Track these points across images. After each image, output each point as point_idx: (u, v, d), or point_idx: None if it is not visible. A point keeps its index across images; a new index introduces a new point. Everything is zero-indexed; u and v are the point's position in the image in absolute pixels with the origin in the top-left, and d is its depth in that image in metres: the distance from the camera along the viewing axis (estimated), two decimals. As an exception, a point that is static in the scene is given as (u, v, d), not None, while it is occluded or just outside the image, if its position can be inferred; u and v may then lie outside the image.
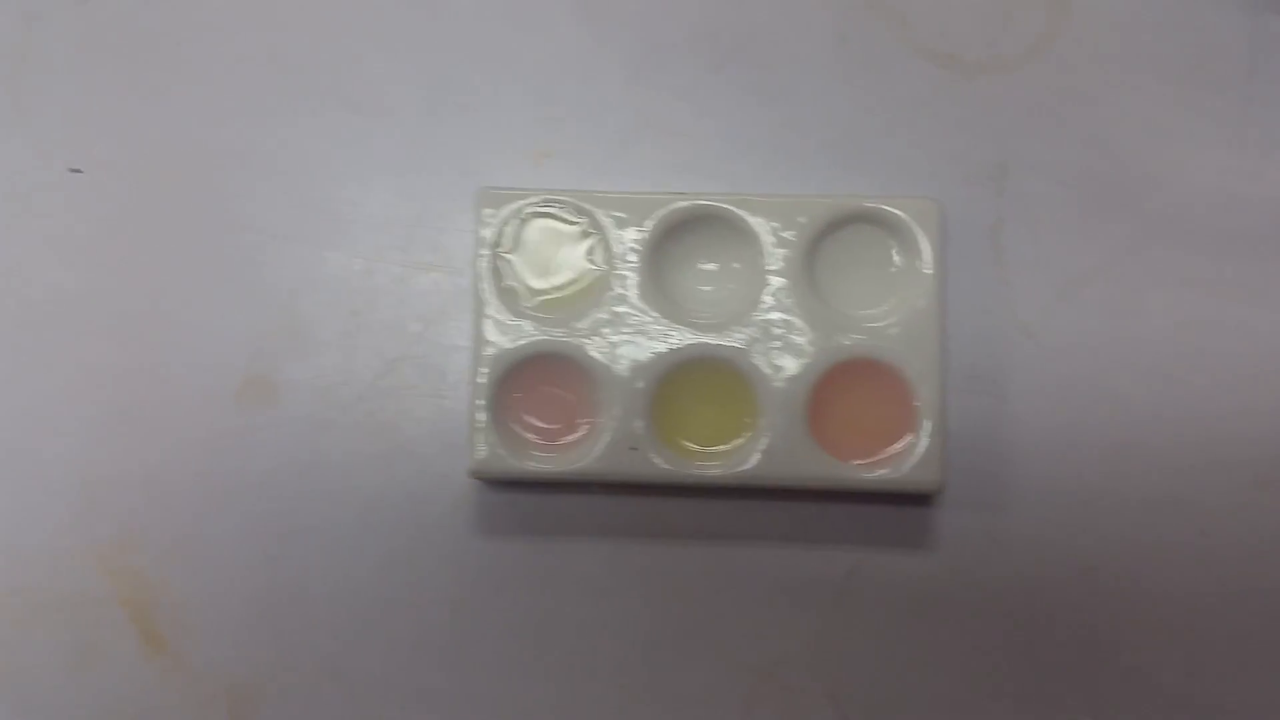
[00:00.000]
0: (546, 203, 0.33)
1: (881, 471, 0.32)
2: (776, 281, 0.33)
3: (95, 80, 0.36)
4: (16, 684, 0.34)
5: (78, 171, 0.36)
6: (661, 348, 0.33)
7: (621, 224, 0.33)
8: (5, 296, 0.35)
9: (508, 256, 0.33)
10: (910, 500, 0.34)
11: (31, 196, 0.36)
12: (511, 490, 0.34)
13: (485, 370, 0.33)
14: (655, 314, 0.33)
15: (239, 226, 0.35)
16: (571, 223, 0.34)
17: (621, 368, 0.33)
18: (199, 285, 0.35)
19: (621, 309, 0.33)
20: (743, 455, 0.32)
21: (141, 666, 0.34)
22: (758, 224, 0.33)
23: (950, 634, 0.34)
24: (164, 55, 0.36)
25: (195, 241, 0.35)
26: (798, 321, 0.33)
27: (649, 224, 0.33)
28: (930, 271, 0.33)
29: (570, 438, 0.33)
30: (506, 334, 0.33)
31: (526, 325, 0.33)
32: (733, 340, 0.33)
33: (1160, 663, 0.34)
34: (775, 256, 0.33)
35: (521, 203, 0.33)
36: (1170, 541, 0.34)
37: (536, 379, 0.33)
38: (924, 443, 0.32)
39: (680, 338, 0.33)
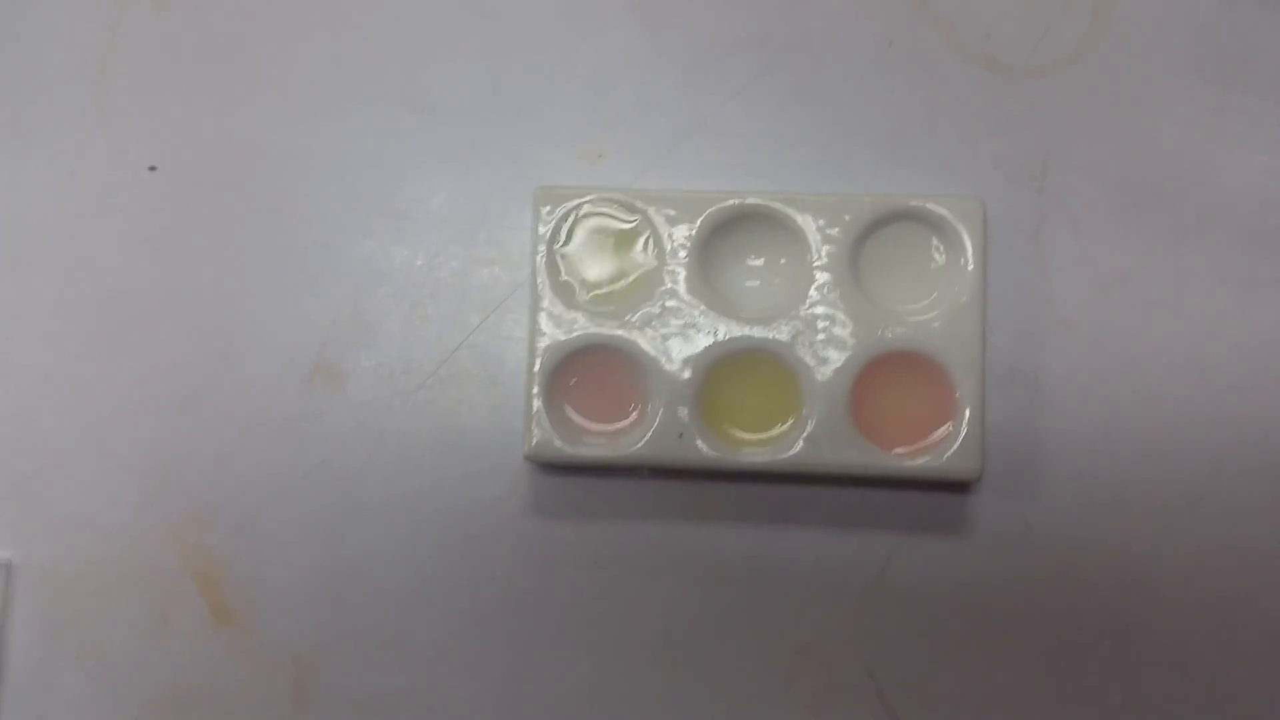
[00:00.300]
0: (600, 201, 0.35)
1: (922, 459, 0.33)
2: (822, 277, 0.34)
3: (172, 83, 0.38)
4: (95, 650, 0.36)
5: (155, 169, 0.37)
6: (709, 340, 0.34)
7: (672, 221, 0.34)
8: (88, 286, 0.37)
9: (563, 252, 0.35)
10: (949, 488, 0.35)
11: (112, 192, 0.37)
12: (564, 474, 0.35)
13: (540, 360, 0.34)
14: (703, 307, 0.34)
15: (309, 222, 0.37)
16: (624, 220, 0.35)
17: (670, 358, 0.34)
18: (270, 277, 0.37)
19: (671, 303, 0.34)
20: (787, 442, 0.33)
21: (210, 637, 0.36)
22: (804, 221, 0.34)
23: (985, 617, 0.35)
24: (238, 59, 0.38)
25: (267, 236, 0.37)
26: (842, 315, 0.34)
27: (699, 221, 0.34)
28: (973, 268, 0.33)
29: (620, 424, 0.34)
30: (561, 326, 0.34)
31: (580, 317, 0.34)
32: (778, 333, 0.34)
33: (1190, 650, 0.34)
34: (821, 253, 0.34)
35: (577, 201, 0.34)
36: (1202, 534, 0.34)
37: (589, 368, 0.34)
38: (964, 432, 0.33)
39: (727, 330, 0.34)
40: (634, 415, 0.34)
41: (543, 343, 0.34)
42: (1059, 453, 0.35)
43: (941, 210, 0.34)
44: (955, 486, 0.35)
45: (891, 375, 0.34)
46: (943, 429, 0.33)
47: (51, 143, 0.38)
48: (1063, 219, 0.36)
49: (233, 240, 0.37)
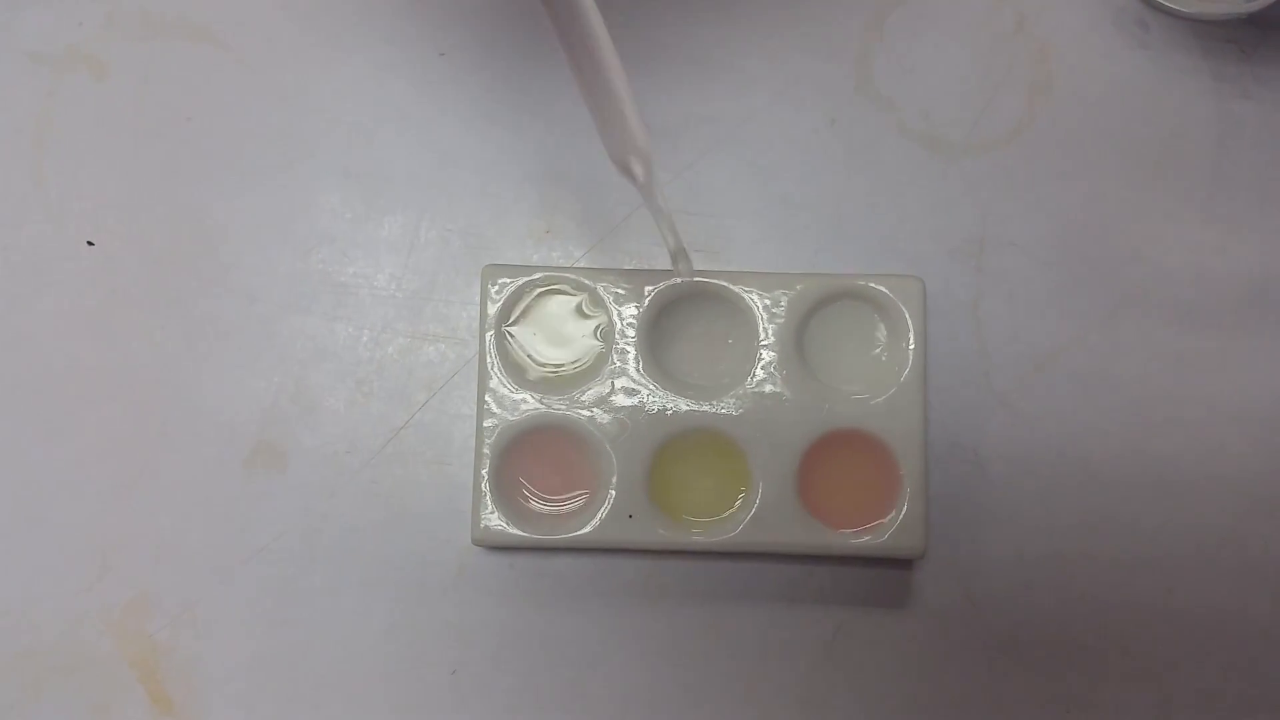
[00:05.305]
0: (548, 279, 0.35)
1: (867, 537, 0.33)
2: (768, 355, 0.34)
3: (111, 155, 0.37)
4: (28, 744, 0.35)
5: (93, 244, 0.37)
6: (658, 418, 0.34)
7: (621, 299, 0.34)
8: (23, 364, 0.36)
9: (511, 330, 0.35)
10: (894, 563, 0.35)
11: (49, 268, 0.37)
12: (512, 554, 0.35)
13: (488, 441, 0.34)
14: (652, 385, 0.34)
15: (250, 298, 0.36)
16: (572, 297, 0.35)
17: (620, 437, 0.34)
18: (211, 354, 0.36)
19: (620, 381, 0.34)
20: (735, 521, 0.34)
21: (149, 726, 0.35)
22: (751, 299, 0.34)
23: (930, 688, 0.35)
24: (178, 130, 0.37)
25: (208, 312, 0.36)
26: (788, 393, 0.34)
27: (647, 299, 0.34)
28: (914, 346, 0.34)
29: (570, 506, 0.34)
30: (509, 406, 0.34)
31: (529, 396, 0.34)
32: (726, 410, 0.34)
33: (1130, 716, 0.35)
34: (767, 331, 0.34)
35: (525, 279, 0.34)
36: (1138, 600, 0.35)
37: (538, 449, 0.34)
38: (907, 510, 0.33)
39: (676, 408, 0.34)
40: (584, 496, 0.34)
41: (490, 423, 0.34)
42: (998, 525, 0.35)
43: (883, 289, 0.34)
44: (899, 561, 0.35)
45: (837, 452, 0.34)
46: (887, 506, 0.34)
47: (-15, 216, 0.37)
48: (1000, 294, 0.36)
49: (172, 317, 0.36)
